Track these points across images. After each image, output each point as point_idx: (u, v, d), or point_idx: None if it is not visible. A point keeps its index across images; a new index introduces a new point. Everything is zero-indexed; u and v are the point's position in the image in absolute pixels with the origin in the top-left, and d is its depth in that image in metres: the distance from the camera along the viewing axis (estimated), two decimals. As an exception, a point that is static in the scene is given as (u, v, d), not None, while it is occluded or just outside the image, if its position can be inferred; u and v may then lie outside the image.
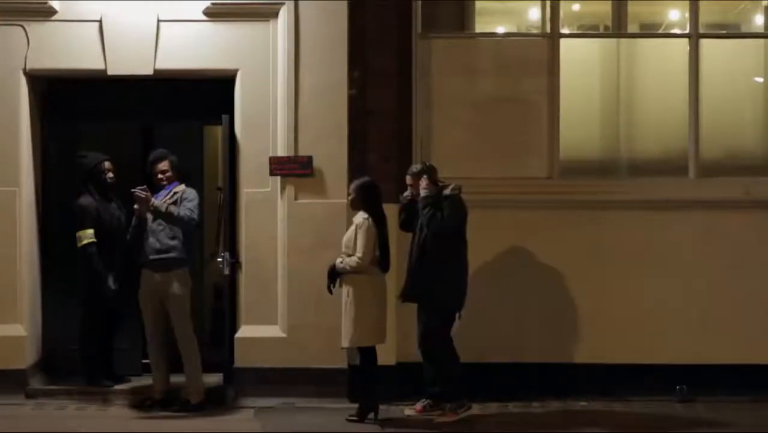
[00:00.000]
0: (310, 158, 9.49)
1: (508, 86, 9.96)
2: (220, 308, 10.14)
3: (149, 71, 9.55)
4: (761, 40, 10.24)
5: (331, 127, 9.50)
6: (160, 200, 9.07)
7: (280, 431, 8.66)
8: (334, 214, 9.39)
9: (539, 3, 10.11)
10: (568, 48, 9.91)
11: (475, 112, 9.92)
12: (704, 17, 9.94)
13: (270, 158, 9.51)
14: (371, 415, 8.74)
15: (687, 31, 9.94)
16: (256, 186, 9.55)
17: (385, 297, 8.83)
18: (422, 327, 8.89)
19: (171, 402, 9.13)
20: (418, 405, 9.02)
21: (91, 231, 9.36)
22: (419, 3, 9.85)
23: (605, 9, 10.16)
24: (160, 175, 9.19)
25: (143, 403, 9.20)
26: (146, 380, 9.44)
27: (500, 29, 10.63)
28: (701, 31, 9.90)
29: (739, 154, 10.04)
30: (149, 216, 9.07)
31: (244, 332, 9.58)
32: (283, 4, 9.51)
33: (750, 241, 9.71)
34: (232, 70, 9.58)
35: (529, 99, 9.92)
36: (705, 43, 9.92)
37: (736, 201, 9.72)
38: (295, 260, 9.46)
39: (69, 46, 9.55)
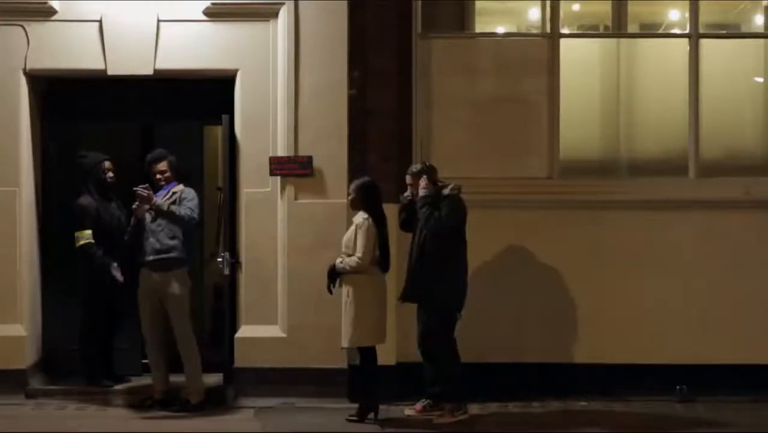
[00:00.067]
0: (310, 158, 9.49)
1: (508, 86, 9.96)
2: (220, 308, 10.13)
3: (149, 71, 9.55)
4: (761, 40, 10.24)
5: (331, 127, 9.50)
6: (161, 199, 9.08)
7: (280, 431, 8.66)
8: (334, 214, 9.39)
9: (539, 3, 10.11)
10: (568, 48, 9.91)
11: (475, 112, 9.92)
12: (704, 17, 9.94)
13: (270, 158, 9.51)
14: (371, 415, 8.74)
15: (687, 31, 9.95)
16: (256, 186, 9.55)
17: (385, 297, 8.83)
18: (422, 327, 8.89)
19: (171, 402, 9.13)
20: (418, 405, 9.02)
21: (89, 232, 9.36)
22: (419, 3, 9.85)
23: (605, 9, 10.16)
24: (158, 176, 9.19)
25: (143, 403, 9.20)
26: (146, 380, 9.45)
27: (500, 29, 10.63)
28: (701, 31, 9.90)
29: (739, 154, 10.04)
30: (148, 216, 9.07)
31: (244, 332, 9.58)
32: (283, 4, 9.51)
33: (750, 241, 9.71)
34: (232, 70, 9.58)
35: (529, 99, 9.92)
36: (705, 43, 9.92)
37: (736, 201, 9.72)
38: (295, 260, 9.46)
39: (69, 46, 9.55)
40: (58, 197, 9.86)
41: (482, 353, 9.39)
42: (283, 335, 9.52)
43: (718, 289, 9.70)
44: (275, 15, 9.54)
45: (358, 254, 8.63)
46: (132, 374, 9.78)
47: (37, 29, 9.53)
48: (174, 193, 9.19)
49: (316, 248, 9.33)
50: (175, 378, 9.20)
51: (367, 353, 8.77)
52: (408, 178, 8.97)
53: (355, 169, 9.43)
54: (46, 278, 9.90)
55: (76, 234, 9.37)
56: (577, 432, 8.64)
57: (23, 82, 9.60)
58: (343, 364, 9.35)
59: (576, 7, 10.40)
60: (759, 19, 10.50)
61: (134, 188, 9.03)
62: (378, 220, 8.74)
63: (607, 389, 9.48)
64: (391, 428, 8.66)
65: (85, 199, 9.44)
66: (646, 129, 10.05)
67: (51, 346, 9.91)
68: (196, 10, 9.54)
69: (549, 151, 9.82)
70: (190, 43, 9.55)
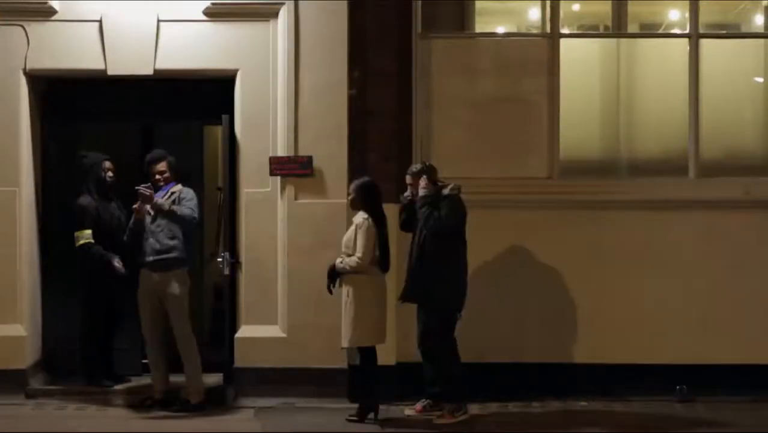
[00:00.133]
0: (310, 158, 9.49)
1: (508, 86, 9.96)
2: (220, 308, 10.13)
3: (149, 71, 9.55)
4: (761, 40, 10.24)
5: (331, 127, 9.50)
6: (161, 199, 9.08)
7: (280, 431, 8.67)
8: (334, 214, 9.39)
9: (539, 3, 10.11)
10: (568, 48, 9.91)
11: (475, 112, 9.92)
12: (704, 17, 9.94)
13: (270, 158, 9.51)
14: (371, 415, 8.75)
15: (687, 31, 9.94)
16: (256, 186, 9.55)
17: (385, 297, 8.83)
18: (422, 327, 8.89)
19: (171, 402, 9.13)
20: (418, 405, 9.03)
21: (89, 231, 9.37)
22: (419, 3, 9.85)
23: (605, 9, 10.16)
24: (158, 176, 9.19)
25: (143, 403, 9.20)
26: (146, 380, 9.45)
27: (500, 29, 10.63)
28: (701, 31, 9.90)
29: (739, 154, 10.04)
30: (147, 217, 9.07)
31: (244, 332, 9.58)
32: (283, 4, 9.51)
33: (750, 241, 9.71)
34: (232, 70, 9.58)
35: (529, 99, 9.92)
36: (705, 43, 9.92)
37: (736, 201, 9.72)
38: (295, 260, 9.46)
39: (69, 46, 9.55)
40: (58, 197, 9.86)
41: (482, 353, 9.39)
42: (283, 335, 9.52)
43: (718, 289, 9.70)
44: (275, 15, 9.54)
45: (358, 254, 8.63)
46: (132, 374, 9.78)
47: (37, 29, 9.53)
48: (173, 193, 9.19)
49: (316, 248, 9.33)
50: (175, 378, 9.20)
51: (367, 353, 8.77)
52: (408, 178, 8.98)
53: (355, 169, 9.43)
54: (46, 278, 9.90)
55: (76, 234, 9.38)
56: (577, 432, 8.64)
57: (23, 82, 9.60)
58: (343, 364, 9.35)
59: (576, 7, 10.41)
60: (759, 19, 10.50)
61: (136, 187, 9.03)
62: (378, 220, 8.74)
63: (607, 389, 9.48)
64: (391, 428, 8.66)
65: (85, 199, 9.45)
66: (646, 129, 10.05)
67: (51, 346, 9.91)
68: (196, 10, 9.54)
69: (549, 151, 9.82)
70: (190, 43, 9.55)
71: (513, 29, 10.66)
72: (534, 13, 10.33)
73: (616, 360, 9.58)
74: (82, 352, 9.55)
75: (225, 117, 9.42)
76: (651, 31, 10.60)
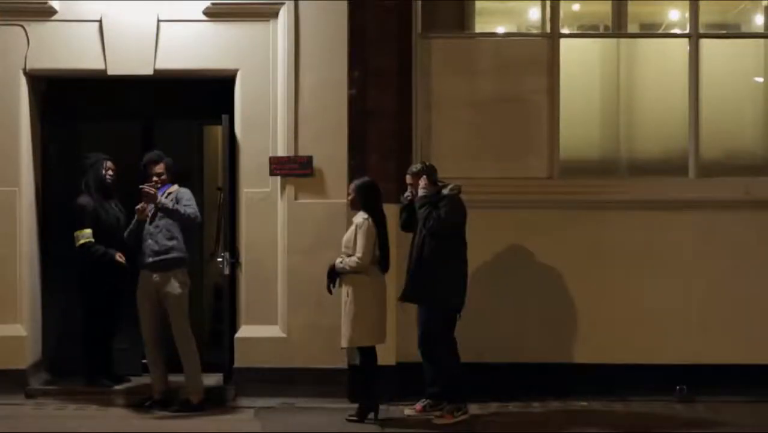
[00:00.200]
0: (310, 158, 9.49)
1: (508, 86, 9.96)
2: (220, 308, 10.14)
3: (149, 71, 9.54)
4: (761, 40, 10.24)
5: (331, 127, 9.50)
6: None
7: (280, 431, 8.66)
8: (334, 214, 9.39)
9: (539, 3, 10.11)
10: (568, 48, 9.91)
11: (475, 112, 9.92)
12: (704, 17, 9.94)
13: (270, 158, 9.51)
14: (371, 415, 8.75)
15: (687, 31, 9.94)
16: (256, 186, 9.55)
17: (385, 297, 8.83)
18: (422, 327, 8.89)
19: (170, 402, 9.13)
20: (418, 405, 9.03)
21: (89, 231, 9.37)
22: (419, 3, 9.85)
23: (605, 9, 10.15)
24: (155, 178, 9.18)
25: (143, 403, 9.19)
26: (146, 380, 9.44)
27: (500, 29, 10.63)
28: (701, 31, 9.90)
29: (739, 154, 10.04)
30: (148, 219, 9.08)
31: (244, 332, 9.57)
32: (283, 4, 9.51)
33: (750, 241, 9.71)
34: (232, 70, 9.58)
35: (529, 99, 9.92)
36: (705, 43, 9.92)
37: (736, 201, 9.72)
38: (295, 260, 9.46)
39: (69, 46, 9.55)
40: (58, 197, 9.85)
41: (482, 353, 9.39)
42: (283, 335, 9.52)
43: (718, 289, 9.70)
44: (275, 15, 9.54)
45: (358, 254, 8.63)
46: (132, 374, 9.78)
47: (37, 29, 9.52)
48: (169, 194, 9.19)
49: (316, 248, 9.33)
50: (175, 378, 9.20)
51: (367, 353, 8.77)
52: (408, 178, 8.98)
53: (355, 169, 9.43)
54: (46, 278, 9.90)
55: (76, 233, 9.38)
56: (577, 432, 8.64)
57: (23, 82, 9.60)
58: (343, 364, 9.36)
59: (576, 7, 10.40)
60: (759, 19, 10.50)
61: (140, 186, 9.03)
62: (378, 220, 8.74)
63: (607, 389, 9.47)
64: (391, 428, 8.66)
65: (84, 199, 9.46)
66: (646, 129, 10.05)
67: (51, 346, 9.91)
68: (196, 10, 9.54)
69: (549, 151, 9.83)
70: (190, 43, 9.55)
71: (513, 29, 10.66)
72: (534, 13, 10.32)
73: (616, 360, 9.58)
74: (82, 352, 9.55)
75: (225, 117, 9.42)
76: (651, 31, 10.59)
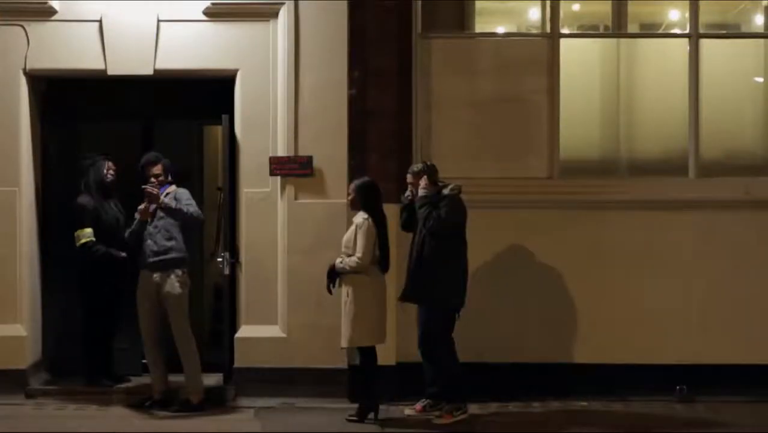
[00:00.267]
0: (310, 158, 9.48)
1: (508, 86, 9.96)
2: (220, 308, 10.14)
3: (149, 71, 9.54)
4: (761, 40, 10.24)
5: (331, 127, 9.50)
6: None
7: (280, 431, 8.66)
8: (334, 214, 9.39)
9: (539, 3, 10.11)
10: (568, 48, 9.91)
11: (475, 112, 9.92)
12: (704, 17, 9.94)
13: (270, 158, 9.51)
14: (371, 415, 8.75)
15: (687, 31, 9.94)
16: (256, 186, 9.55)
17: (385, 297, 8.83)
18: (422, 327, 8.89)
19: (170, 402, 9.13)
20: (418, 405, 9.02)
21: (89, 230, 9.38)
22: (419, 3, 9.84)
23: (605, 9, 10.15)
24: (153, 179, 9.17)
25: (143, 403, 9.19)
26: (146, 380, 9.44)
27: (500, 29, 10.63)
28: (701, 31, 9.90)
29: (739, 154, 10.04)
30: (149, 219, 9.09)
31: (244, 332, 9.57)
32: (283, 4, 9.51)
33: (750, 241, 9.71)
34: (232, 70, 9.58)
35: (529, 99, 9.92)
36: (705, 43, 9.92)
37: (736, 201, 9.72)
38: (295, 260, 9.46)
39: (69, 46, 9.55)
40: (58, 197, 9.86)
41: (482, 353, 9.39)
42: (283, 335, 9.52)
43: (718, 289, 9.70)
44: (275, 15, 9.54)
45: (358, 254, 8.63)
46: (132, 374, 9.79)
47: (37, 29, 9.52)
48: (168, 194, 9.19)
49: (316, 248, 9.33)
50: (175, 378, 9.20)
51: (367, 353, 8.77)
52: (409, 177, 8.98)
53: (355, 169, 9.43)
54: (46, 278, 9.90)
55: (77, 233, 9.38)
56: (577, 432, 8.64)
57: (23, 82, 9.60)
58: (343, 364, 9.36)
59: (576, 7, 10.40)
60: (759, 19, 10.50)
61: (143, 186, 9.03)
62: (378, 220, 8.74)
63: (607, 389, 9.47)
64: (391, 428, 8.66)
65: (84, 198, 9.46)
66: (646, 129, 10.05)
67: (51, 346, 9.91)
68: (196, 10, 9.54)
69: (549, 151, 9.83)
70: (190, 43, 9.55)
71: (513, 29, 10.66)
72: (534, 13, 10.32)
73: (616, 360, 9.58)
74: (82, 352, 9.55)
75: (225, 117, 9.42)
76: (651, 31, 10.59)
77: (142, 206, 9.07)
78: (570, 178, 9.82)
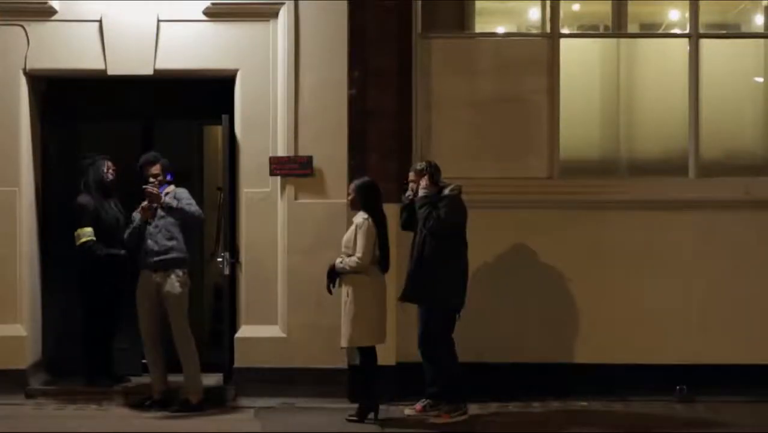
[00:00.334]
0: (310, 158, 9.48)
1: (508, 86, 9.96)
2: (220, 308, 10.14)
3: (149, 71, 9.54)
4: (761, 40, 10.24)
5: (331, 127, 9.50)
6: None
7: (280, 431, 8.66)
8: (334, 214, 9.39)
9: (539, 3, 10.11)
10: (568, 48, 9.91)
11: (475, 112, 9.92)
12: (704, 17, 9.94)
13: (270, 158, 9.51)
14: (371, 415, 8.74)
15: (687, 31, 9.94)
16: (256, 186, 9.55)
17: (385, 297, 8.83)
18: (422, 327, 8.89)
19: (170, 402, 9.12)
20: (418, 405, 9.02)
21: (89, 230, 9.38)
22: (419, 3, 9.84)
23: (605, 9, 10.15)
24: (152, 179, 9.17)
25: (143, 403, 9.19)
26: (146, 380, 9.44)
27: (500, 29, 10.63)
28: (701, 31, 9.90)
29: (739, 154, 10.04)
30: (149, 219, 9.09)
31: (244, 332, 9.57)
32: (283, 4, 9.51)
33: (750, 241, 9.71)
34: (232, 70, 9.58)
35: (529, 99, 9.92)
36: (705, 43, 9.92)
37: (736, 201, 9.72)
38: (295, 260, 9.46)
39: (69, 46, 9.55)
40: (58, 197, 9.86)
41: (482, 353, 9.39)
42: (283, 335, 9.52)
43: (718, 289, 9.70)
44: (275, 15, 9.54)
45: (358, 254, 8.63)
46: (132, 374, 9.78)
47: (37, 29, 9.52)
48: (167, 194, 9.19)
49: (316, 248, 9.33)
50: (175, 378, 9.20)
51: (367, 353, 8.77)
52: (411, 174, 8.97)
53: (355, 169, 9.43)
54: (46, 278, 9.90)
55: (76, 233, 9.39)
56: (577, 432, 8.64)
57: (23, 82, 9.60)
58: (343, 364, 9.36)
59: (576, 7, 10.40)
60: (759, 19, 10.50)
61: (144, 186, 9.04)
62: (378, 220, 8.74)
63: (607, 389, 9.47)
64: (391, 428, 8.66)
65: (85, 198, 9.46)
66: (646, 129, 10.05)
67: (51, 346, 9.91)
68: (196, 10, 9.54)
69: (549, 151, 9.83)
70: (190, 43, 9.55)
71: (513, 29, 10.66)
72: (534, 13, 10.32)
73: (616, 360, 9.58)
74: (82, 352, 9.55)
75: (225, 117, 9.42)
76: (651, 31, 10.59)
77: (144, 204, 9.07)
78: (570, 178, 9.82)
